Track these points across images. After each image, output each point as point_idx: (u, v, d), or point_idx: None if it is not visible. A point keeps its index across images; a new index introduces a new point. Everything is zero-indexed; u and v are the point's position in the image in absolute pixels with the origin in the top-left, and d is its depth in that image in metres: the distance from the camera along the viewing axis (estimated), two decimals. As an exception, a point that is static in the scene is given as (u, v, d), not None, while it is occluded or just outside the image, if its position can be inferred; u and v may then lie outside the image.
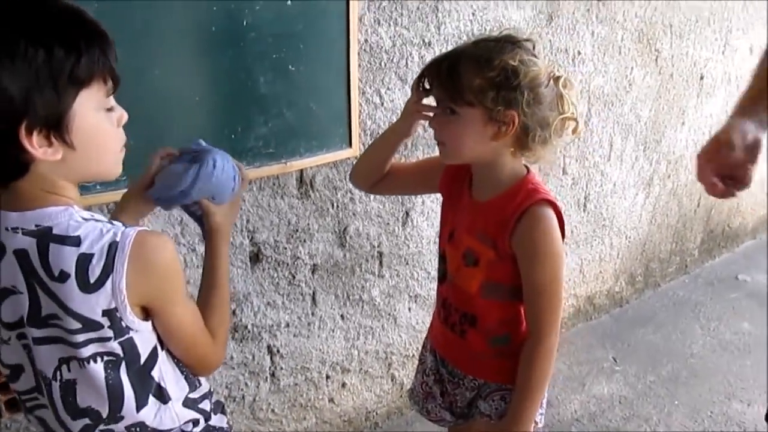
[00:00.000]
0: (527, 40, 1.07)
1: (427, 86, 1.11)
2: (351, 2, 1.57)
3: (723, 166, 1.03)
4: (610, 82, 2.33)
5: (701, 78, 2.72)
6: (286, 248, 1.70)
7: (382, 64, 1.71)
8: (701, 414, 2.23)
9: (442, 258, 1.20)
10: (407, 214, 1.91)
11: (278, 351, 1.80)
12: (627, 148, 2.53)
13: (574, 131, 1.10)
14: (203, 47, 1.41)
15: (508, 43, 1.05)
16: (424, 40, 1.76)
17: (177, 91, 1.39)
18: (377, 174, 1.24)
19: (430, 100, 1.14)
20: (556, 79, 1.07)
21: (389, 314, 2.01)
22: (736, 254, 3.44)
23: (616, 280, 2.80)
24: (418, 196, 1.91)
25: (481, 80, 1.02)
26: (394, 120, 1.68)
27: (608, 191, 2.54)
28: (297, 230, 1.71)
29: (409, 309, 2.05)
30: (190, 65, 1.40)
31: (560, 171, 2.32)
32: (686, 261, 3.15)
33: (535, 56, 1.05)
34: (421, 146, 1.82)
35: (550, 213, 1.07)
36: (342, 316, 1.90)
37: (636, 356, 2.54)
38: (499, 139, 1.05)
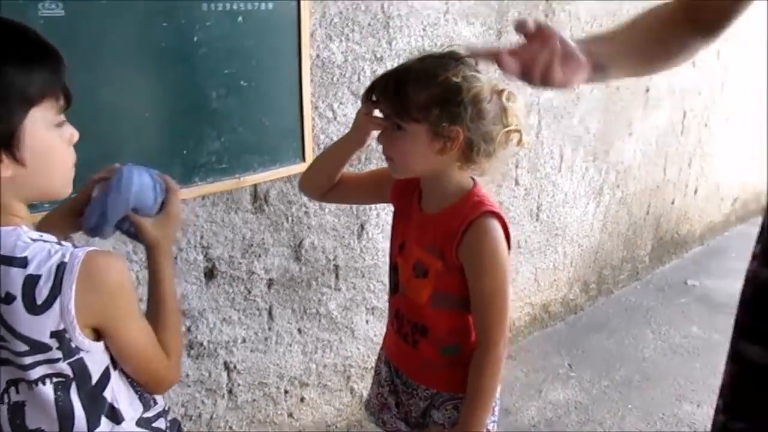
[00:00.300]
0: (470, 56, 1.10)
1: (375, 100, 1.13)
2: (302, 18, 1.59)
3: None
4: (559, 96, 2.40)
5: (647, 90, 2.82)
6: (241, 263, 1.70)
7: (335, 78, 1.73)
8: (653, 416, 2.29)
9: (394, 269, 1.22)
10: (362, 227, 1.93)
11: (235, 367, 1.79)
12: (577, 159, 2.60)
13: (519, 143, 1.13)
14: (153, 64, 1.40)
15: (452, 59, 1.08)
16: (375, 55, 1.79)
17: (127, 108, 1.38)
18: (327, 183, 1.25)
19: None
20: (500, 92, 1.10)
21: (347, 327, 2.02)
22: (685, 260, 3.56)
23: (570, 288, 2.86)
24: (373, 208, 1.93)
25: (426, 97, 1.04)
26: (348, 134, 1.70)
27: (560, 201, 2.60)
28: (252, 245, 1.71)
29: (367, 321, 2.06)
30: (140, 82, 1.40)
31: (513, 182, 2.37)
32: (637, 268, 3.23)
33: (478, 71, 1.08)
34: (375, 159, 1.84)
35: (496, 224, 1.10)
36: (299, 330, 1.90)
37: (590, 362, 2.60)
38: (444, 154, 1.08)
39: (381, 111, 1.12)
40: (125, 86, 1.36)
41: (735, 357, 1.14)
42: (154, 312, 0.96)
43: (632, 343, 2.74)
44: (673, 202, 3.32)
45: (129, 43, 1.35)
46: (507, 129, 1.10)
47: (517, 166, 2.36)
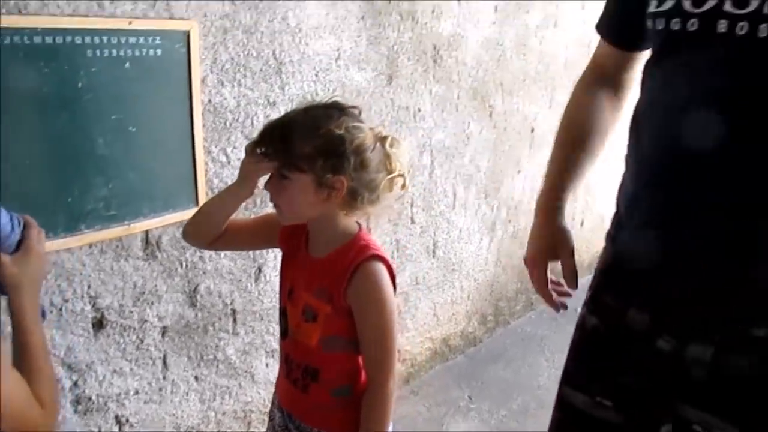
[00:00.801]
0: (353, 107, 1.15)
1: (262, 150, 1.15)
2: (193, 65, 1.60)
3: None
4: (450, 136, 2.51)
5: (532, 130, 2.99)
6: (132, 312, 1.65)
7: (228, 123, 1.74)
8: (549, 442, 2.38)
9: (283, 314, 1.23)
10: (260, 269, 1.93)
11: (127, 420, 1.72)
12: (470, 196, 2.71)
13: (403, 187, 1.18)
14: (34, 109, 1.37)
15: (336, 110, 1.13)
16: (269, 100, 1.82)
17: (5, 156, 1.33)
18: (214, 232, 1.25)
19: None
20: (383, 139, 1.15)
21: (246, 372, 1.99)
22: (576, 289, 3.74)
23: (468, 321, 2.95)
24: (270, 251, 1.93)
25: (310, 148, 1.08)
26: (242, 178, 1.71)
27: (455, 237, 2.69)
28: (144, 293, 1.67)
29: (267, 365, 2.04)
30: (20, 128, 1.35)
31: (409, 221, 2.44)
32: (531, 298, 3.37)
33: (361, 122, 1.13)
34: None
35: (381, 267, 1.14)
36: (196, 378, 1.86)
37: (489, 392, 2.67)
38: (330, 202, 1.11)
39: (267, 160, 1.14)
40: (3, 133, 1.32)
41: (560, 403, 1.22)
42: (21, 360, 0.91)
43: (528, 372, 2.85)
44: (561, 235, 3.50)
45: (7, 88, 1.31)
46: (391, 175, 1.15)
47: (412, 205, 2.44)
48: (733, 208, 0.94)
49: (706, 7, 0.92)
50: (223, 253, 1.81)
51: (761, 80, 0.90)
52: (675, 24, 0.97)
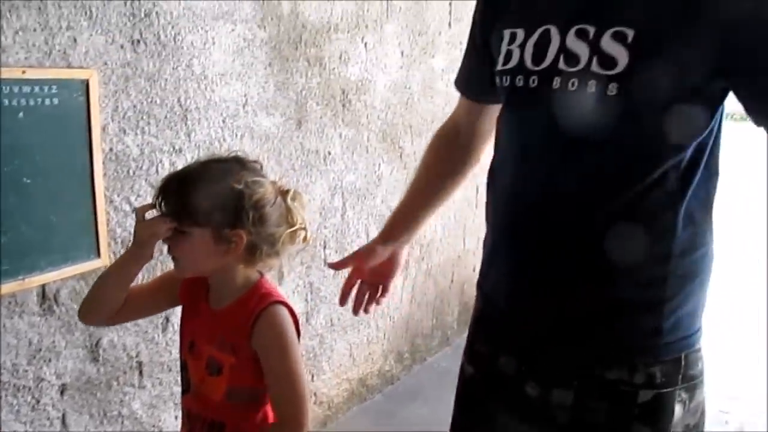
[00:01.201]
0: (254, 161, 1.17)
1: (159, 205, 1.13)
2: (92, 113, 1.57)
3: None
4: (361, 178, 2.54)
5: (442, 170, 3.07)
6: (27, 371, 1.57)
7: (131, 171, 1.70)
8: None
9: (184, 369, 1.21)
10: (167, 319, 1.88)
11: (23, 486, 1.62)
12: (383, 236, 2.75)
13: (305, 239, 1.19)
14: None
15: (236, 164, 1.13)
16: (174, 147, 1.79)
17: None
18: (113, 307, 1.19)
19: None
20: (284, 192, 1.17)
21: (154, 426, 1.92)
22: (490, 322, 3.83)
23: (385, 360, 2.96)
24: (178, 300, 1.89)
25: (208, 203, 1.08)
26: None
27: (369, 277, 2.71)
28: (40, 350, 1.59)
29: (176, 417, 1.97)
30: None
31: (322, 263, 2.44)
32: (447, 334, 3.43)
33: (262, 176, 1.14)
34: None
35: (284, 312, 1.15)
36: (99, 436, 1.77)
37: (408, 431, 2.68)
38: (228, 256, 1.11)
39: (164, 222, 1.12)
40: None
41: None
42: None
43: (446, 409, 2.85)
44: (474, 269, 3.60)
45: None
46: (292, 229, 1.16)
47: (325, 247, 2.45)
48: (577, 251, 1.02)
49: (544, 65, 1.01)
50: (127, 305, 1.76)
51: (591, 132, 0.99)
52: (519, 81, 1.05)
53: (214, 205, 1.08)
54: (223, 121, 1.92)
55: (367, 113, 2.50)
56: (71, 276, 1.61)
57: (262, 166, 1.18)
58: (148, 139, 1.72)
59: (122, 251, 1.69)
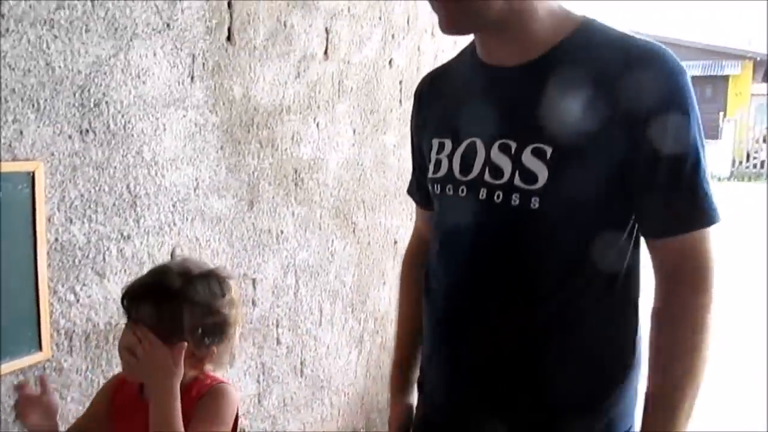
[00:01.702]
0: (230, 277, 1.20)
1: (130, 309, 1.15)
2: (37, 204, 1.55)
3: None
4: (313, 255, 2.55)
5: (395, 243, 3.10)
6: (-42, 476, 1.49)
7: (76, 261, 1.67)
8: None
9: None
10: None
11: None
12: (336, 311, 2.74)
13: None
14: None
15: (216, 282, 1.16)
16: (122, 234, 1.77)
17: None
18: None
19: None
20: (236, 300, 1.19)
21: None
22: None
23: (340, 438, 2.90)
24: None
25: (195, 322, 1.12)
26: (92, 316, 1.65)
27: (323, 354, 2.69)
28: (-26, 452, 1.51)
29: None
30: None
31: (274, 342, 2.41)
32: (403, 406, 3.39)
33: (234, 292, 1.18)
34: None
35: (231, 390, 1.16)
36: None
37: None
38: (195, 368, 1.13)
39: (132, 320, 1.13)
40: None
41: None
42: None
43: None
44: (429, 340, 3.59)
45: None
46: (236, 332, 1.18)
47: (278, 326, 2.42)
48: (509, 359, 1.05)
49: (471, 176, 1.06)
50: (69, 397, 1.69)
51: (516, 243, 1.04)
52: (449, 190, 1.10)
53: (199, 324, 1.13)
54: (174, 206, 1.91)
55: (319, 191, 2.53)
56: (10, 372, 1.55)
57: (231, 278, 1.22)
58: (95, 227, 1.70)
59: (65, 343, 1.65)
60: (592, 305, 1.04)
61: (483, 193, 1.04)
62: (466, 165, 1.07)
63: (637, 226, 1.05)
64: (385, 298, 3.08)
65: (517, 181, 1.01)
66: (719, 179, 16.09)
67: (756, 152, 17.07)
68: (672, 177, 0.98)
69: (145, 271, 1.78)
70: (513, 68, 1.05)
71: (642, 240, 1.07)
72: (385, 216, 2.98)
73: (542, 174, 0.99)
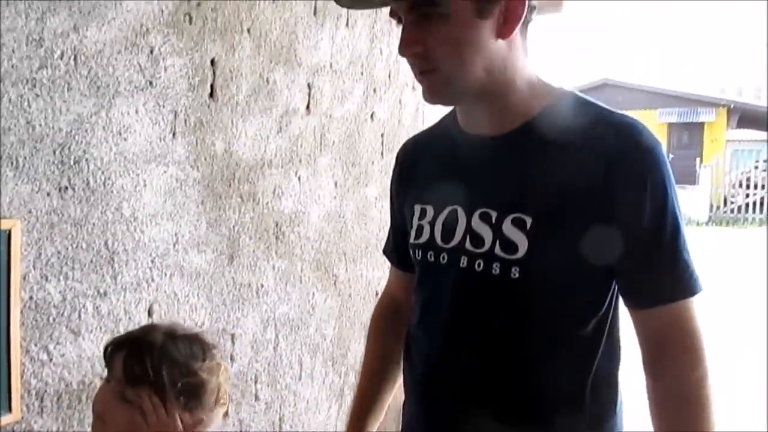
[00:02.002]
0: (214, 346, 1.20)
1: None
2: (12, 263, 1.53)
3: None
4: (294, 308, 2.53)
5: (376, 294, 3.09)
6: None
7: (51, 319, 1.65)
8: None
9: None
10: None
11: None
12: (316, 365, 2.71)
13: (226, 414, 1.20)
14: None
15: (199, 348, 1.17)
16: (99, 291, 1.75)
17: None
18: None
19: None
20: (222, 370, 1.19)
21: None
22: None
23: (320, 495, 2.83)
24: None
25: (172, 383, 1.11)
26: (65, 375, 1.62)
27: (302, 409, 2.64)
28: None
29: None
30: None
31: (253, 398, 2.37)
32: (384, 461, 3.33)
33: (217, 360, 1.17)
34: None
35: None
36: None
37: None
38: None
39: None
40: None
41: None
42: None
43: None
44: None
45: None
46: (221, 405, 1.17)
47: (256, 382, 2.38)
48: (492, 424, 1.05)
49: (452, 243, 1.07)
50: (39, 461, 1.65)
51: (497, 310, 1.05)
52: (430, 256, 1.11)
53: (177, 381, 1.13)
54: (152, 261, 1.90)
55: (300, 244, 2.53)
56: (-22, 435, 1.51)
57: (215, 347, 1.22)
58: (71, 284, 1.68)
59: (36, 404, 1.62)
60: (571, 376, 1.04)
61: (464, 261, 1.05)
62: (448, 232, 1.08)
63: (618, 296, 1.06)
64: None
65: (497, 250, 1.02)
66: (698, 224, 16.32)
67: (733, 197, 17.36)
68: (652, 249, 0.99)
69: (121, 328, 1.77)
70: (493, 138, 1.07)
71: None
72: (366, 268, 2.97)
73: (522, 244, 1.00)
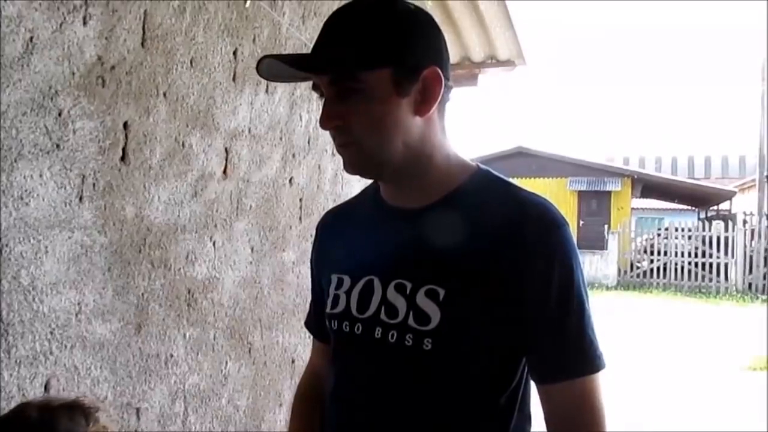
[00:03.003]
0: (95, 408, 1.13)
1: None
2: None
3: None
4: (205, 379, 2.43)
5: (293, 362, 3.02)
6: None
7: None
8: None
9: None
10: None
11: None
12: (228, 438, 2.59)
13: None
14: None
15: (79, 410, 1.10)
16: (-11, 366, 1.63)
17: None
18: None
19: None
20: None
21: None
22: None
23: None
24: None
25: None
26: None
27: (212, 487, 2.51)
28: None
29: None
30: None
31: (158, 477, 2.23)
32: None
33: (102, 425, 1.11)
34: None
35: None
36: None
37: None
38: None
39: None
40: None
41: None
42: None
43: None
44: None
45: None
46: None
47: (162, 459, 2.25)
48: None
49: (368, 314, 1.08)
50: None
51: (409, 382, 1.05)
52: (345, 326, 1.11)
53: None
54: (51, 333, 1.79)
55: (214, 311, 2.45)
56: None
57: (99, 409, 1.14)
58: (-43, 359, 1.56)
59: None
60: None
61: (378, 332, 1.05)
62: (364, 302, 1.08)
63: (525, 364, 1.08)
64: (282, 421, 2.95)
65: (410, 321, 1.02)
66: (607, 288, 16.98)
67: (639, 262, 18.22)
68: (557, 326, 1.02)
69: (13, 405, 1.64)
70: (412, 210, 1.10)
71: None
72: (282, 334, 2.91)
73: (435, 315, 1.01)
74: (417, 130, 1.05)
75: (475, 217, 1.06)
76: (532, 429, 1.12)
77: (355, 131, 1.03)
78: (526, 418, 1.10)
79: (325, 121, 1.04)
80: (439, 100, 1.05)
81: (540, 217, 1.05)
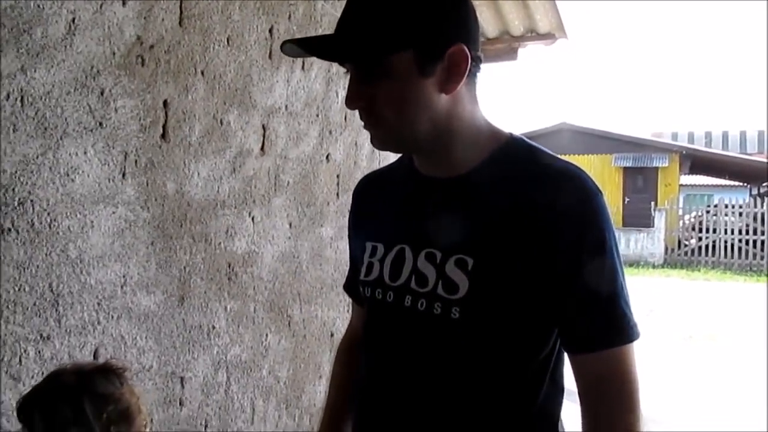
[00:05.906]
0: (124, 368, 1.18)
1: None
2: (-50, 305, 1.49)
3: None
4: (246, 350, 2.50)
5: (332, 335, 3.07)
6: None
7: (-11, 364, 1.60)
8: None
9: None
10: None
11: None
12: (269, 408, 2.66)
13: None
14: None
15: (111, 372, 1.16)
16: (42, 335, 1.71)
17: None
18: None
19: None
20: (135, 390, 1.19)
21: None
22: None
23: None
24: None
25: (92, 411, 1.13)
26: (3, 423, 1.57)
27: (255, 454, 2.59)
28: None
29: None
30: None
31: (202, 443, 2.32)
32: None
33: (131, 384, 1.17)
34: None
35: None
36: None
37: None
38: None
39: None
40: None
41: None
42: None
43: None
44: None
45: None
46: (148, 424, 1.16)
47: (206, 426, 2.33)
48: None
49: (399, 282, 1.09)
50: None
51: (438, 350, 1.06)
52: (378, 294, 1.13)
53: (104, 413, 1.14)
54: (98, 304, 1.87)
55: (254, 284, 2.51)
56: None
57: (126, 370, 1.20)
58: (12, 328, 1.64)
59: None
60: (513, 416, 1.05)
61: (408, 300, 1.07)
62: (396, 271, 1.10)
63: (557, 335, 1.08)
64: (321, 392, 3.02)
65: (439, 290, 1.04)
66: (653, 266, 16.64)
67: (687, 240, 17.79)
68: (590, 296, 1.01)
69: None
70: (443, 180, 1.10)
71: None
72: (321, 308, 2.96)
73: (463, 285, 1.02)
74: (443, 107, 1.05)
75: (506, 186, 1.05)
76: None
77: (379, 112, 1.04)
78: (559, 390, 1.10)
79: (349, 102, 1.05)
80: (465, 76, 1.04)
81: (573, 185, 1.03)
